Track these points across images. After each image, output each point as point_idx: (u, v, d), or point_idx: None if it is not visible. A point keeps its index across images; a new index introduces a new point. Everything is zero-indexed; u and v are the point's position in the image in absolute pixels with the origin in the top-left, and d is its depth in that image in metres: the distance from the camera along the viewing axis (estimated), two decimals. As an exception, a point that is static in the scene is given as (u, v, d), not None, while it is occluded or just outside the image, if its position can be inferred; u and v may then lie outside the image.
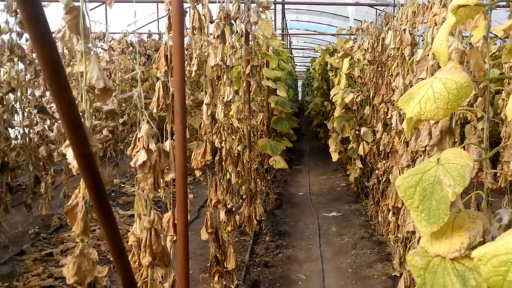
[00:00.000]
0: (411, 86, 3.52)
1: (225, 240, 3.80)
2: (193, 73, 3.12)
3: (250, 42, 5.62)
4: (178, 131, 2.28)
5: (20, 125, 5.70)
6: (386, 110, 5.55)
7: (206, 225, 3.21)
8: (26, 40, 5.43)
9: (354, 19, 14.30)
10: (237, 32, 5.24)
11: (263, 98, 7.70)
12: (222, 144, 4.06)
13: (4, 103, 4.92)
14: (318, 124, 12.60)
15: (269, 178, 7.38)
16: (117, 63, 7.93)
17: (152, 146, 1.78)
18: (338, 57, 8.82)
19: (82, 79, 1.39)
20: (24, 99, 5.37)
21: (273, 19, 12.66)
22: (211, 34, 4.06)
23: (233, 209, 4.08)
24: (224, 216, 3.92)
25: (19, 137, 5.77)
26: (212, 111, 3.15)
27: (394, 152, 3.91)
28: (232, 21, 4.38)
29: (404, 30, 3.86)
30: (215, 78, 4.08)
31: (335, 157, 8.10)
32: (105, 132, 6.75)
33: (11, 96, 5.40)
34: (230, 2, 4.39)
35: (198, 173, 3.19)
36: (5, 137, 4.83)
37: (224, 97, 4.00)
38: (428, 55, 2.83)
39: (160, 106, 2.34)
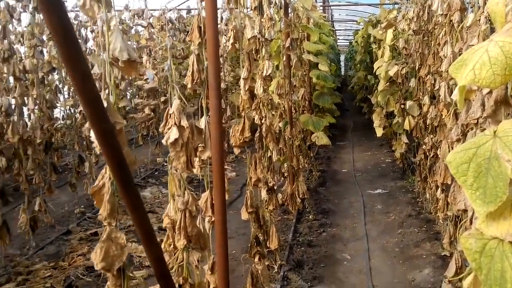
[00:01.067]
0: (460, 54, 3.31)
1: (266, 220, 3.72)
2: (230, 46, 3.00)
3: (289, 14, 5.46)
4: (213, 106, 2.18)
5: (64, 105, 5.76)
6: (433, 82, 5.30)
7: (246, 205, 3.13)
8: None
9: (399, -11, 13.82)
10: (276, 3, 5.10)
11: (304, 73, 7.52)
12: (262, 121, 3.95)
13: (46, 82, 4.95)
14: (362, 99, 12.32)
15: (311, 155, 7.24)
16: (157, 41, 7.90)
17: (184, 123, 1.69)
18: (381, 28, 8.54)
19: (106, 51, 1.30)
20: (68, 79, 5.40)
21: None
22: (248, 7, 3.94)
23: (275, 188, 3.98)
24: (265, 194, 3.83)
25: (65, 117, 5.83)
26: (250, 86, 3.04)
27: (442, 126, 3.72)
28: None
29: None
30: (253, 52, 3.97)
31: (379, 132, 7.87)
32: (146, 110, 6.74)
33: (55, 76, 5.44)
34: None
35: (237, 151, 3.09)
36: (48, 117, 4.86)
37: (263, 72, 3.87)
38: (479, 19, 2.63)
39: (195, 81, 2.24)
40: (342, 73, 26.64)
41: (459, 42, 3.26)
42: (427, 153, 5.29)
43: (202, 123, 2.26)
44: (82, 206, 5.41)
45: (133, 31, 8.08)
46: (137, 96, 7.70)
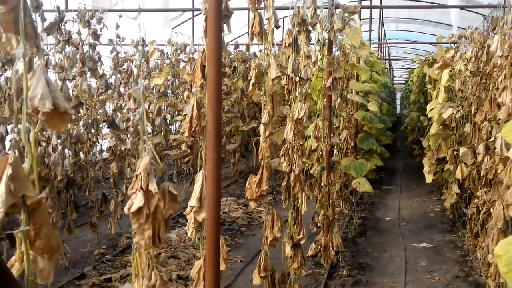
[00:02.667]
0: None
1: (290, 278, 3.31)
2: (251, 87, 2.66)
3: (334, 52, 5.10)
4: (211, 159, 1.83)
5: (102, 139, 5.55)
6: (489, 129, 4.80)
7: (259, 267, 2.73)
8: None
9: (458, 27, 13.20)
10: (319, 40, 4.76)
11: (350, 114, 7.11)
12: (291, 168, 3.57)
13: (73, 117, 4.76)
14: (413, 141, 11.72)
15: (353, 200, 6.76)
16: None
17: (153, 187, 1.35)
18: (437, 68, 8.05)
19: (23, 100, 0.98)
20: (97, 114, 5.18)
21: (367, 29, 12.01)
22: (279, 43, 3.62)
23: (301, 242, 3.56)
24: (289, 251, 3.42)
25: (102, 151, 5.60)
26: (271, 131, 2.67)
27: (498, 183, 3.23)
28: (310, 28, 3.90)
29: (515, 35, 3.18)
30: (286, 93, 3.62)
31: (429, 178, 7.30)
32: (183, 147, 6.47)
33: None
34: (307, 7, 3.92)
35: (253, 205, 2.72)
36: (74, 153, 4.64)
37: (294, 114, 3.51)
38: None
39: (193, 128, 1.90)
40: (398, 111, 26.00)
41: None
42: (480, 208, 4.75)
43: (199, 178, 1.91)
44: (104, 246, 5.14)
45: (40, 60, 7.89)
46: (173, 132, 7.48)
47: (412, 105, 11.91)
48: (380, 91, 9.53)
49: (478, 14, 13.06)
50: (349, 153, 6.94)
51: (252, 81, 2.65)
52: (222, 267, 1.97)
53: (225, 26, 2.09)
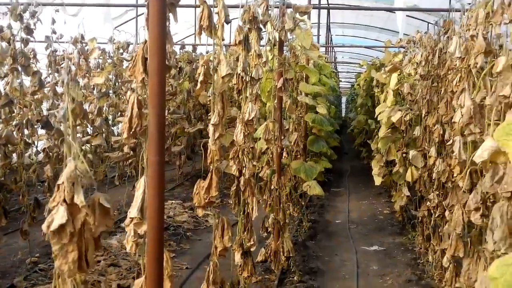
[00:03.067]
0: (483, 105, 2.77)
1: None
2: (199, 85, 2.45)
3: (284, 53, 4.95)
4: (153, 164, 1.61)
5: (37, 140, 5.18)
6: (441, 132, 4.76)
7: (208, 280, 2.51)
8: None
9: (404, 33, 13.39)
10: (269, 40, 4.60)
11: (300, 115, 6.99)
12: (242, 171, 3.38)
13: (3, 117, 4.39)
14: (361, 143, 11.77)
15: (303, 203, 6.65)
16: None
17: (79, 199, 1.12)
18: (385, 72, 8.06)
19: None
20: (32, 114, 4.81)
21: (315, 33, 11.98)
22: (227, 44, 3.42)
23: (251, 250, 3.38)
24: (239, 259, 3.22)
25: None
26: (220, 133, 2.46)
27: (456, 187, 3.13)
28: (261, 26, 3.72)
29: (472, 36, 3.10)
30: (236, 93, 3.42)
31: (378, 181, 7.29)
32: (126, 149, 6.15)
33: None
34: (258, 5, 3.75)
35: (200, 212, 2.51)
36: (3, 154, 4.27)
37: (245, 115, 3.32)
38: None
39: (134, 129, 1.67)
40: (343, 115, 26.32)
41: (481, 90, 2.71)
42: (432, 211, 4.70)
43: (140, 185, 1.68)
44: (37, 255, 4.78)
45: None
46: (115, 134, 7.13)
47: (359, 108, 11.97)
48: (328, 94, 9.49)
49: (422, 21, 13.30)
50: (299, 156, 6.82)
51: (200, 78, 2.44)
52: (167, 286, 1.75)
53: (170, 15, 1.87)
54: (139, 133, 1.67)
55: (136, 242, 1.72)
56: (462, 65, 3.29)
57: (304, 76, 6.91)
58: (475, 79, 3.24)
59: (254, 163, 3.38)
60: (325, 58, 10.57)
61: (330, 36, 17.07)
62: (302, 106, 7.05)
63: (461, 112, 3.10)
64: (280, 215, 4.56)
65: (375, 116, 7.88)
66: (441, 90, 4.92)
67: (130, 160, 6.67)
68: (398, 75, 6.93)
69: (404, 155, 6.26)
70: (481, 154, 2.21)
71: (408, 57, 6.69)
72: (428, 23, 11.87)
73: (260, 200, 4.54)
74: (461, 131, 3.12)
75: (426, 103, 5.36)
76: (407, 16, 12.20)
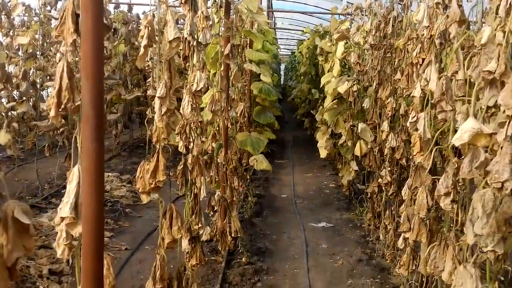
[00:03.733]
0: (456, 80, 2.54)
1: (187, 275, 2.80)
2: (142, 50, 2.07)
3: (231, 16, 4.58)
4: (89, 152, 1.25)
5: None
6: (394, 105, 4.58)
7: (154, 277, 2.18)
8: None
9: (347, 1, 13.20)
10: (215, 1, 4.21)
11: (244, 84, 6.65)
12: (189, 149, 3.03)
13: None
14: (304, 113, 11.60)
15: (248, 177, 6.37)
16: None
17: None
18: (331, 40, 7.83)
19: None
20: None
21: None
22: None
23: (200, 234, 3.06)
24: (187, 245, 2.90)
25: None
26: (168, 107, 2.10)
27: (419, 168, 2.92)
28: (208, -15, 3.34)
29: (437, 3, 2.85)
30: (182, 60, 3.04)
31: (323, 153, 7.12)
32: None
33: None
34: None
35: (145, 198, 2.15)
36: None
37: (192, 85, 2.96)
38: (504, 34, 1.84)
39: (64, 105, 1.30)
40: (282, 82, 26.22)
41: (453, 64, 2.47)
42: (384, 188, 4.54)
43: (73, 176, 1.32)
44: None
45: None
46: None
47: (302, 77, 11.74)
48: (272, 62, 9.20)
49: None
50: (244, 128, 6.51)
51: (144, 42, 2.06)
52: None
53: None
54: (71, 110, 1.31)
55: (69, 246, 1.37)
56: (427, 35, 3.05)
57: (249, 42, 6.55)
58: (439, 51, 3.02)
59: (203, 139, 3.04)
60: (268, 24, 10.23)
61: (270, 1, 16.69)
62: (246, 74, 6.71)
63: (427, 87, 2.88)
64: (227, 192, 4.27)
65: (320, 86, 7.67)
66: (394, 61, 4.72)
67: (61, 129, 6.16)
68: (345, 44, 6.71)
69: (352, 127, 6.09)
70: (461, 136, 1.97)
71: (355, 26, 6.45)
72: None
73: (206, 176, 4.22)
74: (424, 107, 2.90)
75: (377, 74, 5.17)
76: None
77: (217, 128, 4.30)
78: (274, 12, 22.19)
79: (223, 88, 4.22)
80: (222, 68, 4.36)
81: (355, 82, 6.03)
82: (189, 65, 2.96)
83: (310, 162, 8.85)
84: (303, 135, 11.58)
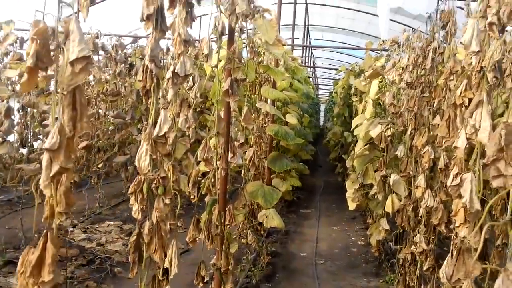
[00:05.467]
0: None
1: None
2: (25, 75, 1.34)
3: (235, 45, 3.87)
4: None
5: None
6: (432, 156, 3.72)
7: None
8: None
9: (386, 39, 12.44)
10: (215, 26, 3.51)
11: (264, 126, 5.90)
12: (152, 215, 2.28)
13: None
14: (336, 158, 10.73)
15: (262, 232, 5.55)
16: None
17: None
18: (365, 78, 7.06)
19: None
20: None
21: (289, 36, 10.94)
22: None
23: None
24: None
25: None
26: (63, 165, 1.34)
27: (463, 252, 2.06)
28: (193, 2, 2.63)
29: (491, 24, 2.04)
30: (143, 94, 2.30)
31: (352, 206, 6.23)
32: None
33: None
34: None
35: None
36: None
37: (154, 130, 2.22)
38: None
39: None
40: (321, 123, 25.52)
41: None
42: (418, 258, 3.65)
43: None
44: None
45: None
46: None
47: (335, 119, 10.94)
48: (301, 101, 8.45)
49: (407, 27, 12.39)
50: (261, 174, 5.73)
51: (29, 62, 1.33)
52: None
53: None
54: None
55: None
56: (476, 65, 2.24)
57: (272, 81, 5.84)
58: (491, 88, 2.20)
59: (167, 201, 2.27)
60: (300, 61, 9.54)
61: (308, 38, 16.12)
62: (267, 115, 5.97)
63: (475, 136, 2.06)
64: (222, 260, 3.47)
65: (351, 129, 6.88)
66: (433, 102, 3.90)
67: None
68: (380, 82, 5.93)
69: (384, 178, 5.22)
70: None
71: (391, 62, 5.66)
72: (412, 28, 10.92)
73: (198, 239, 3.45)
74: (472, 164, 2.07)
75: (413, 117, 4.33)
76: (390, 20, 11.23)
77: (212, 181, 3.53)
78: (313, 52, 21.65)
79: (221, 132, 3.47)
80: (221, 108, 3.64)
81: (389, 125, 5.21)
82: (150, 102, 2.23)
83: (339, 212, 7.95)
84: (335, 181, 10.70)
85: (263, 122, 5.96)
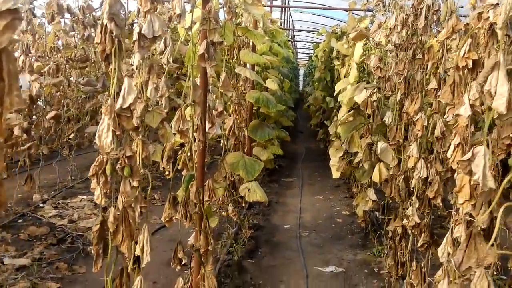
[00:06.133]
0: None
1: None
2: None
3: (209, 2, 3.52)
4: None
5: None
6: (425, 123, 3.47)
7: None
8: None
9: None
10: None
11: (244, 92, 5.58)
12: (118, 199, 1.98)
13: None
14: (318, 124, 10.46)
15: (244, 204, 5.29)
16: (41, 35, 5.83)
17: None
18: (347, 41, 6.76)
19: None
20: None
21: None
22: None
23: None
24: None
25: None
26: None
27: (475, 236, 1.81)
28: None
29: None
30: (102, 59, 1.97)
31: (336, 174, 5.99)
32: (16, 131, 4.55)
33: None
34: None
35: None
36: None
37: (117, 101, 1.90)
38: None
39: None
40: (300, 87, 25.17)
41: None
42: (410, 231, 3.43)
43: None
44: None
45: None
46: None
47: (316, 83, 10.62)
48: (281, 66, 8.13)
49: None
50: (241, 143, 5.44)
51: None
52: None
53: None
54: None
55: None
56: (483, 25, 1.96)
57: (251, 44, 5.50)
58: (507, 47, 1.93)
59: (135, 183, 1.97)
60: (280, 23, 9.15)
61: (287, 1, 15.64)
62: (247, 80, 5.65)
63: (489, 103, 1.79)
64: (201, 240, 3.20)
65: (335, 94, 6.60)
66: (426, 65, 3.62)
67: (27, 145, 5.18)
68: (364, 44, 5.65)
69: (370, 146, 4.98)
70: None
71: (376, 23, 5.34)
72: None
73: (174, 217, 3.16)
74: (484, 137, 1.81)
75: (403, 82, 4.06)
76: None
77: (188, 154, 3.22)
78: (292, 15, 21.13)
79: (197, 101, 3.15)
80: (196, 74, 3.33)
81: (375, 90, 4.94)
82: (112, 69, 1.90)
83: (322, 180, 7.73)
84: (316, 147, 10.48)
85: (243, 88, 5.64)
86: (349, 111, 5.81)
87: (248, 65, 5.40)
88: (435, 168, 3.09)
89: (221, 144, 4.55)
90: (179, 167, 3.25)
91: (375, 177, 4.53)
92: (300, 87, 26.08)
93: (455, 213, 2.36)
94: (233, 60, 5.11)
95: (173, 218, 3.15)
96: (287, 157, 8.83)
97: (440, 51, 3.05)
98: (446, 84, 2.18)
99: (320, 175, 8.04)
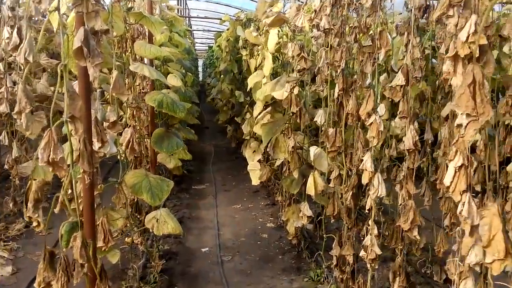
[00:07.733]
0: None
1: None
2: None
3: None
4: None
5: None
6: (380, 128, 2.74)
7: None
8: None
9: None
10: None
11: (143, 92, 4.60)
12: None
13: None
14: (227, 120, 9.63)
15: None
16: None
17: None
18: (258, 28, 5.98)
19: None
20: None
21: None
22: None
23: None
24: None
25: None
26: None
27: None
28: None
29: None
30: None
31: (255, 180, 5.22)
32: None
33: None
34: None
35: None
36: None
37: None
38: None
39: None
40: (200, 79, 24.20)
41: None
42: (370, 266, 2.71)
43: None
44: None
45: None
46: None
47: (222, 76, 9.76)
48: (183, 58, 7.20)
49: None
50: (143, 156, 4.47)
51: None
52: None
53: None
54: None
55: None
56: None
57: (147, 34, 4.55)
58: None
59: None
60: (177, 11, 8.18)
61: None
62: (144, 78, 4.67)
63: None
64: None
65: (246, 89, 5.84)
66: (378, 54, 2.89)
67: None
68: (279, 32, 4.94)
69: (297, 150, 4.23)
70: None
71: (293, 6, 4.59)
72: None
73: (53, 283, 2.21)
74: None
75: (340, 75, 3.33)
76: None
77: (69, 192, 2.26)
78: (188, 3, 20.10)
79: (76, 114, 2.18)
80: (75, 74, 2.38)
81: (296, 83, 4.19)
82: None
83: (238, 185, 6.91)
84: (226, 145, 9.66)
85: (141, 88, 4.67)
86: (265, 107, 5.07)
87: (146, 60, 4.46)
88: (406, 189, 2.37)
89: (118, 157, 3.58)
90: (56, 211, 2.29)
91: (310, 190, 3.79)
92: (200, 78, 25.11)
93: (459, 263, 1.67)
94: (127, 54, 4.14)
95: (52, 283, 2.20)
96: (195, 159, 7.89)
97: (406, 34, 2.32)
98: (463, 84, 1.41)
99: (234, 178, 7.22)
